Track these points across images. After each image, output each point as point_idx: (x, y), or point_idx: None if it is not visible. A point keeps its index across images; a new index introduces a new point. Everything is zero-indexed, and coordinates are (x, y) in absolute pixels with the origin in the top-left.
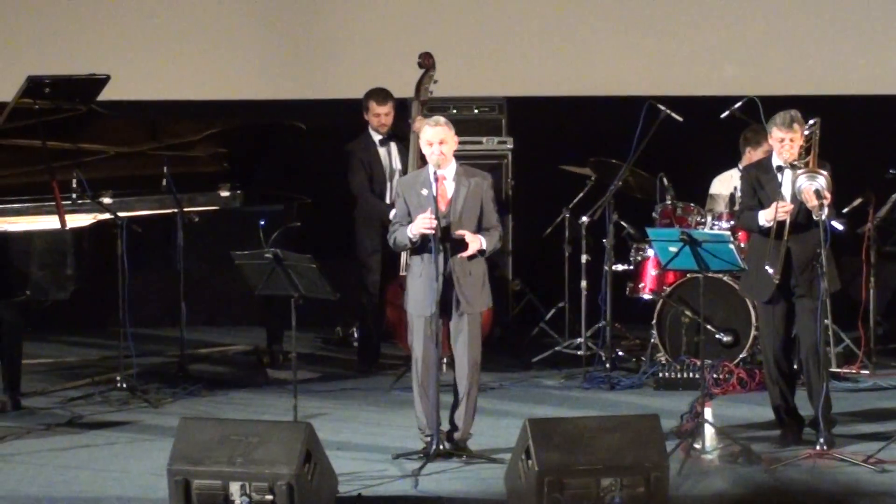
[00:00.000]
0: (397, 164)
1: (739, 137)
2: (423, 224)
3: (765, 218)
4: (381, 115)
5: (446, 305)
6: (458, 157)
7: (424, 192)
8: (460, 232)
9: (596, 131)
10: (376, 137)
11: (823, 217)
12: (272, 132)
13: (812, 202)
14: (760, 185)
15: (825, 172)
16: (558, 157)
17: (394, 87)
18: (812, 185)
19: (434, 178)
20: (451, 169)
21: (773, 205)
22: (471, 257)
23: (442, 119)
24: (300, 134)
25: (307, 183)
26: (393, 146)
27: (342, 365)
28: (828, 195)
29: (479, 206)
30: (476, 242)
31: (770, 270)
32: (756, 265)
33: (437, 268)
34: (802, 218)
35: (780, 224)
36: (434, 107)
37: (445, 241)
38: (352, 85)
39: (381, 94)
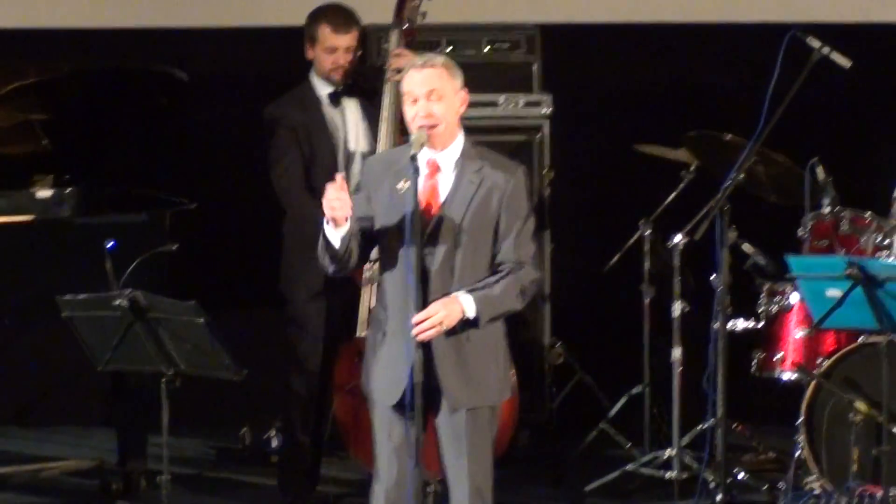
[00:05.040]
0: (360, 140)
1: None
2: (329, 198)
3: None
4: (337, 52)
5: (432, 392)
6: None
7: (402, 185)
8: (417, 317)
9: (697, 85)
10: (324, 91)
11: None
12: (131, 86)
13: None
14: None
15: None
16: (629, 131)
17: (360, 8)
18: None
19: (417, 162)
20: (452, 150)
21: None
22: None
23: (439, 59)
24: (180, 89)
25: (194, 176)
26: (353, 106)
27: (252, 496)
28: None
29: (493, 226)
30: (447, 312)
31: None
32: None
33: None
34: None
35: None
36: (425, 42)
37: (426, 278)
38: (285, 7)
39: (339, 17)
